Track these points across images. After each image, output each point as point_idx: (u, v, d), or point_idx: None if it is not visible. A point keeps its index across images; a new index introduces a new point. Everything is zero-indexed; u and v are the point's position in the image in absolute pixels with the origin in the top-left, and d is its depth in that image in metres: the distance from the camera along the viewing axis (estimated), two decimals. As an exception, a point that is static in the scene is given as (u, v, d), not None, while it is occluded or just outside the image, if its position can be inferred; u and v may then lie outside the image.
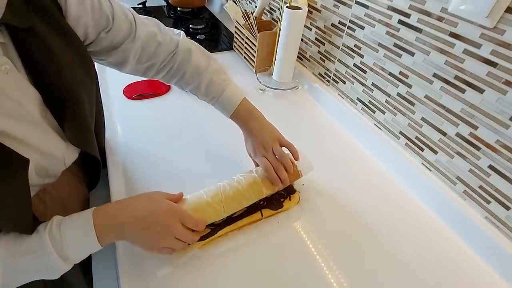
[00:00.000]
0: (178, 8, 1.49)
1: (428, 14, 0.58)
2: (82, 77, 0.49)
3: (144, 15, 0.60)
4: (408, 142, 0.70)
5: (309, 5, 0.91)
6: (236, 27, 1.12)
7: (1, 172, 0.37)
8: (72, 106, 0.47)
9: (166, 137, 0.77)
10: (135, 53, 0.57)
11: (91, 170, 0.62)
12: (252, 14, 1.03)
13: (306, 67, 1.02)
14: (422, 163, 0.68)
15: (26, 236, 0.40)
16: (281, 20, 0.87)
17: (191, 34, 1.27)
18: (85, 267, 0.62)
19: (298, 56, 1.02)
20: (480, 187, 0.57)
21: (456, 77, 0.57)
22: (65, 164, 0.51)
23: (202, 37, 1.23)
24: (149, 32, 0.57)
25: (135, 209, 0.46)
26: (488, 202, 0.57)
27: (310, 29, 0.94)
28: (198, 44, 0.64)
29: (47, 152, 0.45)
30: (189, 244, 0.53)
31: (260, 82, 0.98)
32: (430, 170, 0.67)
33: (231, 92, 0.62)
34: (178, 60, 0.60)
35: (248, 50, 1.07)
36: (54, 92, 0.44)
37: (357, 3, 0.74)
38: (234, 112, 0.62)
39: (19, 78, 0.40)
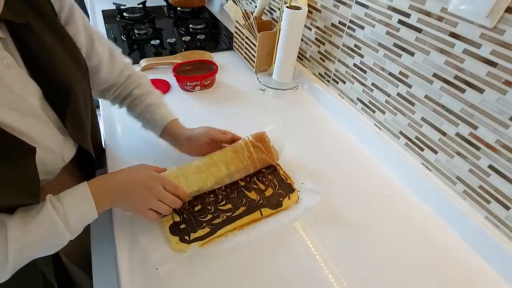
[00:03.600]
0: (178, 8, 1.49)
1: (428, 14, 0.58)
2: (76, 73, 0.50)
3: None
4: (408, 142, 0.70)
5: (309, 5, 0.91)
6: (236, 27, 1.12)
7: (10, 160, 0.38)
8: (71, 100, 0.48)
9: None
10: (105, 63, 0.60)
11: (89, 171, 0.63)
12: (252, 14, 1.03)
13: (306, 67, 1.02)
14: (422, 163, 0.68)
15: (32, 215, 0.42)
16: (281, 20, 0.87)
17: (191, 34, 1.27)
18: (85, 264, 0.62)
19: (298, 56, 1.02)
20: (480, 187, 0.57)
21: (456, 77, 0.56)
22: (63, 160, 0.52)
23: (202, 37, 1.23)
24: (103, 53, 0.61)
25: (122, 176, 0.52)
26: (488, 202, 0.57)
27: (310, 29, 0.94)
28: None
29: (48, 146, 0.46)
30: (189, 243, 0.53)
31: (260, 82, 0.98)
32: (430, 170, 0.67)
33: (163, 113, 0.67)
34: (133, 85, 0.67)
35: (248, 50, 1.07)
36: (54, 86, 0.45)
37: (357, 3, 0.74)
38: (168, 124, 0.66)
39: (20, 72, 0.41)
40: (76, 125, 0.52)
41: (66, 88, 0.47)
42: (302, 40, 0.97)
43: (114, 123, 0.80)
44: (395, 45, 0.67)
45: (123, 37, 1.23)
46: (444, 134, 0.62)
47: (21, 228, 0.41)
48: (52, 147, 0.48)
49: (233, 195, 0.61)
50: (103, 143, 0.75)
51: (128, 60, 0.69)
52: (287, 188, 0.64)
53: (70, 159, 0.54)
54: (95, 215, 0.47)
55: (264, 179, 0.65)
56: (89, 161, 0.60)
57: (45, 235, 0.42)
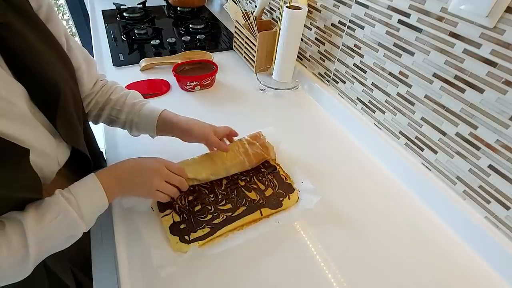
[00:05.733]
0: (178, 8, 1.49)
1: (428, 13, 0.58)
2: (63, 72, 0.49)
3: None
4: (408, 142, 0.70)
5: (309, 5, 0.91)
6: (236, 27, 1.12)
7: (5, 164, 0.37)
8: (60, 101, 0.46)
9: (166, 137, 0.77)
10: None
11: (85, 175, 0.62)
12: (252, 14, 1.03)
13: (306, 67, 1.02)
14: (422, 163, 0.68)
15: (45, 209, 0.43)
16: (281, 20, 0.87)
17: (191, 34, 1.27)
18: (85, 265, 0.62)
19: (298, 56, 1.02)
20: (480, 187, 0.57)
21: (456, 77, 0.56)
22: (58, 163, 0.51)
23: (202, 37, 1.23)
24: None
25: (127, 164, 0.54)
26: (488, 202, 0.57)
27: (310, 29, 0.94)
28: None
29: (41, 149, 0.45)
30: (189, 243, 0.53)
31: (260, 82, 0.98)
32: (430, 170, 0.67)
33: (151, 107, 0.66)
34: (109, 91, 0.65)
35: (248, 50, 1.07)
36: (40, 86, 0.44)
37: (357, 2, 0.74)
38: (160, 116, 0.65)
39: (3, 75, 0.40)
40: (68, 126, 0.50)
41: (53, 87, 0.45)
42: (302, 40, 0.97)
43: (114, 129, 0.80)
44: (395, 45, 0.67)
45: (123, 37, 1.23)
46: (444, 134, 0.62)
47: (37, 222, 0.41)
48: (46, 151, 0.47)
49: (233, 195, 0.61)
50: (98, 147, 0.74)
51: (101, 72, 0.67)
52: (287, 188, 0.64)
53: (64, 162, 0.53)
54: (106, 205, 0.48)
55: (264, 179, 0.65)
56: (84, 164, 0.59)
57: (61, 227, 0.43)
